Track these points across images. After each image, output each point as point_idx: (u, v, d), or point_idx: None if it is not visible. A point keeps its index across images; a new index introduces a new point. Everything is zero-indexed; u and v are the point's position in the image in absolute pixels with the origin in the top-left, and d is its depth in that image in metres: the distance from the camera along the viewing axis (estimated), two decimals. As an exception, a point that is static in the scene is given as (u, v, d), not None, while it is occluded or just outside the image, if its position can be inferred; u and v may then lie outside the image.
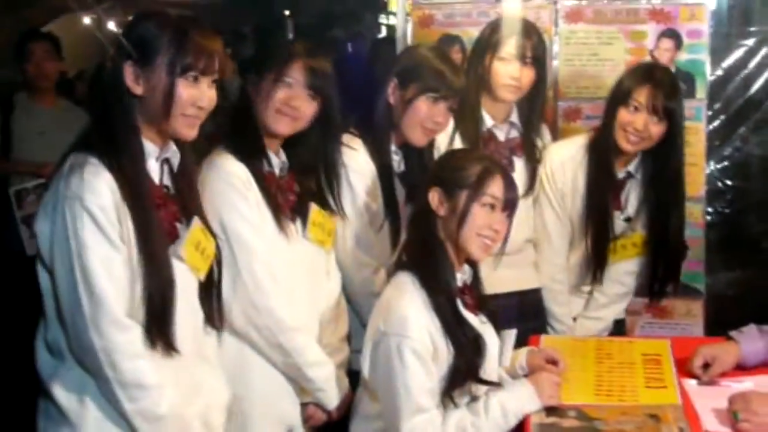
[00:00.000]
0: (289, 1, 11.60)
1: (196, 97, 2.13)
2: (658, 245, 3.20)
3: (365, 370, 2.43)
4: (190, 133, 2.18)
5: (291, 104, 2.53)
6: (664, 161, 3.11)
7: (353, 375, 2.66)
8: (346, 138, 2.83)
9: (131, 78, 2.11)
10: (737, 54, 4.25)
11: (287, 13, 11.66)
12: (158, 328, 2.09)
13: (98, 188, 2.01)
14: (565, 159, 3.22)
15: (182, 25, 2.14)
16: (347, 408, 2.62)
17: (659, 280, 3.26)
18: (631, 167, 3.17)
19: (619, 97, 3.07)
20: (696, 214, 3.79)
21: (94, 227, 1.99)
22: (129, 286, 2.05)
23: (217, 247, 2.33)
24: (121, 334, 2.02)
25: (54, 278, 2.05)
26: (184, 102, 2.12)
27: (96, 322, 2.00)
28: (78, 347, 2.05)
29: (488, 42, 3.10)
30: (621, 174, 3.17)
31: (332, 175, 2.70)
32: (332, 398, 2.63)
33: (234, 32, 9.40)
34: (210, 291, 2.33)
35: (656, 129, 3.02)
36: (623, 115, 3.03)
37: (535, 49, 3.06)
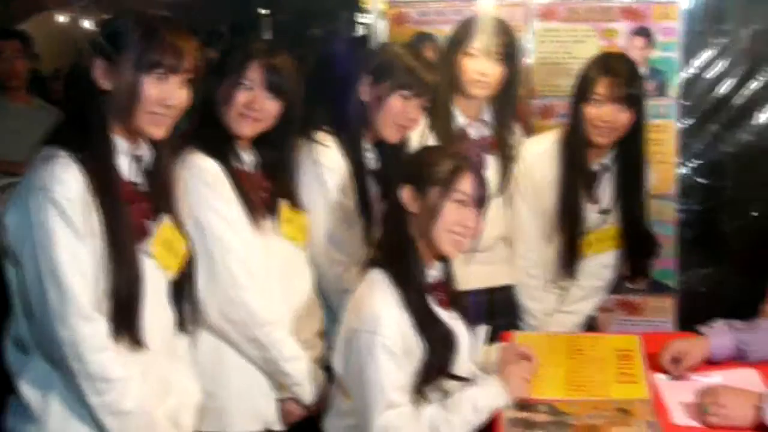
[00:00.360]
0: (268, -1, 11.56)
1: (164, 95, 2.13)
2: (628, 231, 3.22)
3: (338, 366, 2.45)
4: (158, 131, 2.17)
5: (252, 107, 2.53)
6: (631, 148, 3.13)
7: (328, 370, 2.67)
8: (319, 135, 2.84)
9: (100, 73, 2.11)
10: (709, 52, 4.27)
11: (265, 11, 11.62)
12: (124, 322, 2.09)
13: (66, 180, 2.01)
14: (540, 153, 3.23)
15: (153, 23, 2.14)
16: (323, 403, 2.63)
17: (632, 268, 3.29)
18: (607, 159, 3.18)
19: (581, 93, 3.09)
20: (667, 211, 3.82)
21: (61, 219, 2.00)
22: (95, 279, 2.05)
23: (189, 249, 2.33)
24: (87, 325, 2.02)
25: (21, 271, 2.05)
26: (151, 99, 2.12)
27: (62, 314, 2.00)
28: (44, 340, 2.05)
29: (458, 39, 3.12)
30: (596, 167, 3.19)
31: (290, 172, 2.71)
32: (309, 393, 2.64)
33: (211, 31, 9.35)
34: (181, 294, 2.33)
35: (623, 117, 3.04)
36: (589, 111, 3.05)
37: (505, 46, 3.08)
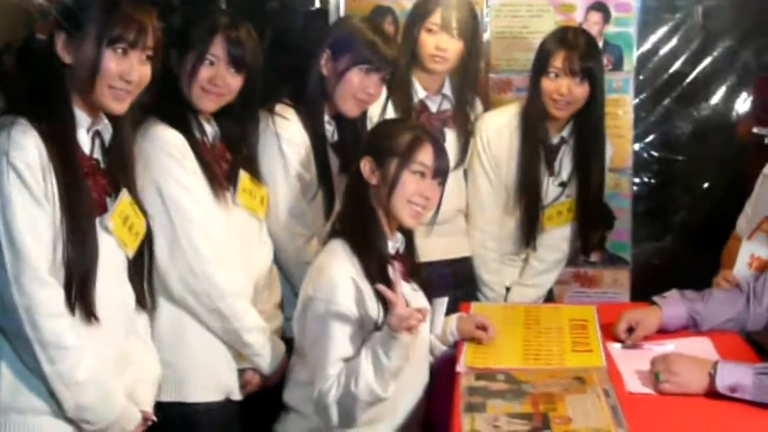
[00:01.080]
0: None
1: (125, 70, 2.12)
2: (584, 203, 3.26)
3: (296, 334, 2.47)
4: (118, 106, 2.16)
5: (215, 82, 2.53)
6: (588, 121, 3.17)
7: (286, 342, 2.69)
8: (279, 108, 2.84)
9: (61, 46, 2.10)
10: (665, 27, 4.32)
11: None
12: (78, 291, 2.08)
13: (24, 145, 2.00)
14: (500, 126, 3.26)
15: None
16: (283, 374, 2.65)
17: (589, 241, 3.34)
18: (565, 132, 3.22)
19: (539, 67, 3.12)
20: (623, 185, 3.87)
21: (20, 184, 1.99)
22: (53, 247, 2.04)
23: (148, 227, 2.32)
24: (42, 290, 2.01)
25: None
26: (111, 73, 2.10)
27: (18, 279, 1.99)
28: None
29: (419, 13, 3.14)
30: (555, 140, 3.22)
31: (251, 144, 2.71)
32: (269, 363, 2.65)
33: (164, 4, 9.22)
34: (140, 272, 2.32)
35: (579, 90, 3.07)
36: (546, 84, 3.08)
37: (464, 21, 3.09)
